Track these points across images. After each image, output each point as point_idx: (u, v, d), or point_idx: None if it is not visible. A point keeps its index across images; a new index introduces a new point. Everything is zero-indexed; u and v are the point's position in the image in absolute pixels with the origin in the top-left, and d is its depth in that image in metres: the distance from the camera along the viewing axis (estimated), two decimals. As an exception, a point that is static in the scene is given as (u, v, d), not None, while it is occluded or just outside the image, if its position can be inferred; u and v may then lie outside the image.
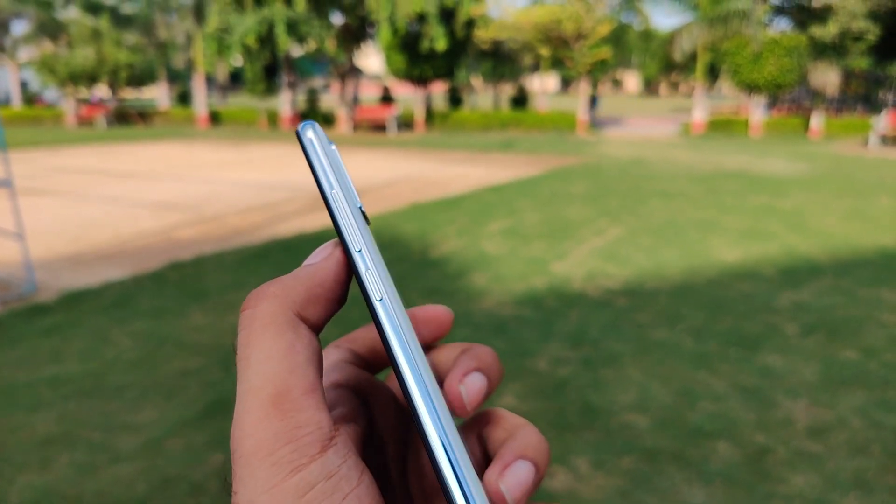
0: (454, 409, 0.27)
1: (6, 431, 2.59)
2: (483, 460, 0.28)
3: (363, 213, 0.26)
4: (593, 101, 25.94)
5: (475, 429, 0.28)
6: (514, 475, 0.25)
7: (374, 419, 0.28)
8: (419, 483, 0.28)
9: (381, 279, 0.24)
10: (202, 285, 4.51)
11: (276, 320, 0.23)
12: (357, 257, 0.24)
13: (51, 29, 25.00)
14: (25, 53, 26.59)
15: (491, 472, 0.25)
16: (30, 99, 28.95)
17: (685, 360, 3.26)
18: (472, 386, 0.26)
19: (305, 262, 0.26)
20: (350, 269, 0.25)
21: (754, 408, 2.76)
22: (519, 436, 0.27)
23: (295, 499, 0.20)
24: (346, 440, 0.22)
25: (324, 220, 6.70)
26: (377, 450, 0.28)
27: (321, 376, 0.23)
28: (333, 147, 0.26)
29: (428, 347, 0.31)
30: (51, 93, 30.22)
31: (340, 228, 0.25)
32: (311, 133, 0.26)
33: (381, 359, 0.31)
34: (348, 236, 0.25)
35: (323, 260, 0.25)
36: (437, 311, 0.30)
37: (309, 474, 0.20)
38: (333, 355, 0.30)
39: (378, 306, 0.24)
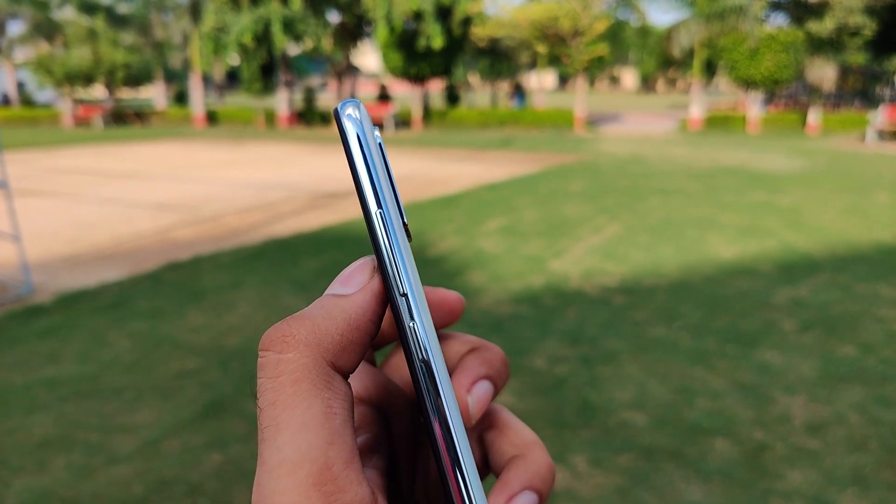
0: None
1: (3, 434, 2.58)
2: (482, 463, 0.27)
3: (406, 230, 0.22)
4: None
5: (477, 428, 0.27)
6: None
7: (392, 432, 0.27)
8: (425, 489, 0.27)
9: (427, 332, 0.21)
10: (199, 286, 4.50)
11: (310, 375, 0.20)
12: (401, 303, 0.21)
13: (46, 29, 24.95)
14: (21, 54, 26.53)
15: (496, 502, 0.24)
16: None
17: (683, 357, 3.26)
18: (479, 396, 0.26)
19: (338, 288, 0.22)
20: (386, 299, 0.22)
21: (752, 404, 2.76)
22: (529, 460, 0.26)
23: None
24: None
25: (322, 220, 6.70)
26: (391, 456, 0.27)
27: (355, 430, 0.21)
28: (378, 134, 0.22)
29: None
30: (45, 94, 30.16)
31: (384, 262, 0.21)
32: (355, 113, 0.21)
33: (389, 335, 0.28)
34: (393, 275, 0.21)
35: (360, 293, 0.22)
36: (450, 297, 0.28)
37: None
38: None
39: (421, 368, 0.21)
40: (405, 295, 0.21)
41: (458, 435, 0.21)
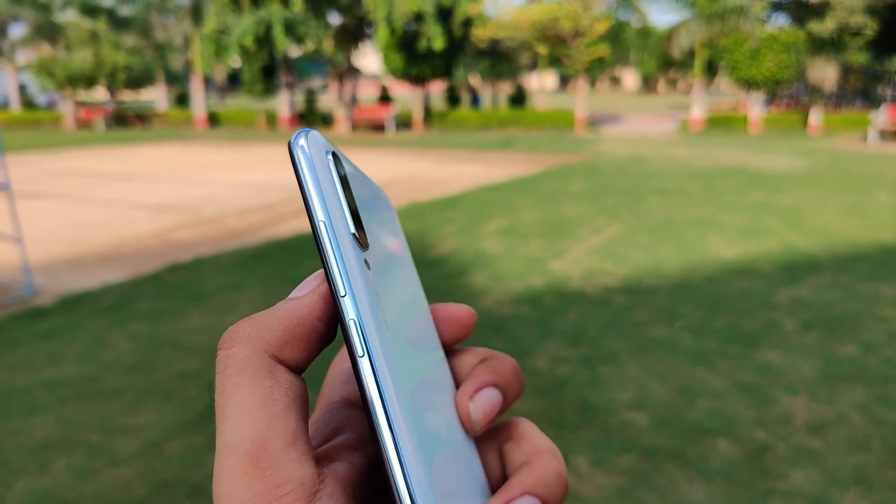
0: (462, 426, 0.26)
1: (4, 435, 2.58)
2: (502, 478, 0.27)
3: (357, 240, 0.23)
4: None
5: (497, 441, 0.27)
6: None
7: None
8: None
9: (368, 329, 0.22)
10: (200, 287, 4.51)
11: (251, 365, 0.21)
12: (341, 303, 0.22)
13: (48, 31, 24.99)
14: (23, 56, 26.59)
15: None
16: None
17: (684, 357, 3.26)
18: (483, 403, 0.25)
19: (291, 295, 0.24)
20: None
21: (753, 405, 2.76)
22: (535, 466, 0.25)
23: None
24: (332, 491, 0.21)
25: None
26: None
27: (305, 421, 0.22)
28: (330, 157, 0.24)
29: (448, 350, 0.29)
30: (43, 97, 30.25)
31: (326, 267, 0.22)
32: (304, 142, 0.23)
33: None
34: (332, 278, 0.22)
35: (307, 295, 0.23)
36: (460, 311, 0.29)
37: None
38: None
39: (359, 363, 0.22)
40: (345, 296, 0.22)
41: (398, 434, 0.21)
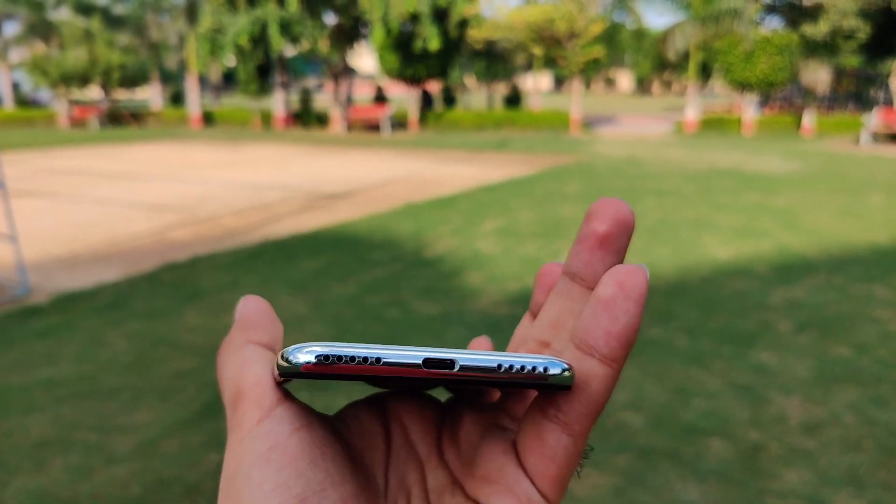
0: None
1: (0, 435, 2.58)
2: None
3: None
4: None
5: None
6: None
7: (405, 425, 0.29)
8: (456, 453, 0.28)
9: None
10: (197, 286, 4.50)
11: (231, 350, 0.28)
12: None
13: (42, 30, 24.87)
14: (17, 55, 26.45)
15: None
16: None
17: (679, 358, 3.28)
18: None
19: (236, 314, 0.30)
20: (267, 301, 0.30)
21: (748, 405, 2.78)
22: None
23: (234, 462, 0.24)
24: (286, 409, 0.25)
25: (318, 221, 6.70)
26: (411, 448, 0.29)
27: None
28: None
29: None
30: (35, 96, 30.06)
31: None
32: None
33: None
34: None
35: (244, 306, 0.30)
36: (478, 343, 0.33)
37: (242, 440, 0.24)
38: None
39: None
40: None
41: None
